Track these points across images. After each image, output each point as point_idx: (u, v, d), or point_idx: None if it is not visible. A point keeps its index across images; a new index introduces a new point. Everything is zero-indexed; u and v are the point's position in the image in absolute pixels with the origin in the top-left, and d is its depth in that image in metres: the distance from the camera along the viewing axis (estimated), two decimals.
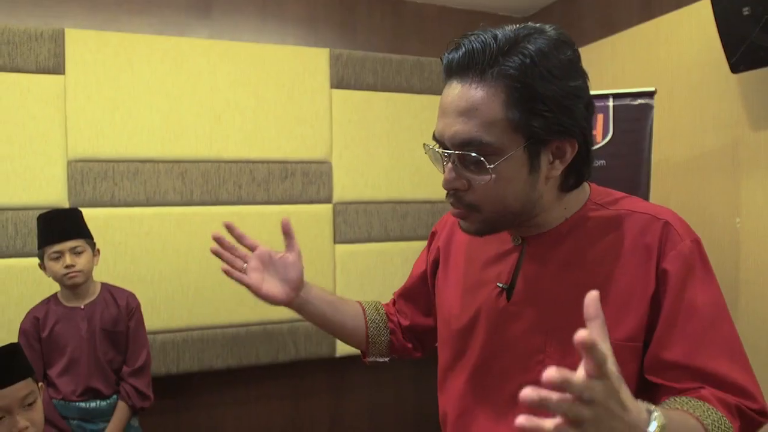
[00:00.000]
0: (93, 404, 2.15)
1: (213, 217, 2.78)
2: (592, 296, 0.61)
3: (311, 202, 2.98)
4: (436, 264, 1.18)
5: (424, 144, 0.95)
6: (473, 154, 0.84)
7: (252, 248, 1.11)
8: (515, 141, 0.84)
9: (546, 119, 0.83)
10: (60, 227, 2.12)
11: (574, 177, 0.92)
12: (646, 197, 2.37)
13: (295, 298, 1.12)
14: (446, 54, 0.88)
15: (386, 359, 1.25)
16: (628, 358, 0.89)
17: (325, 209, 3.01)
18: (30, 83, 2.54)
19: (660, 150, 2.58)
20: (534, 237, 0.97)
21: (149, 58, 2.70)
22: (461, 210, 0.91)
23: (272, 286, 1.10)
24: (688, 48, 2.53)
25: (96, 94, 2.62)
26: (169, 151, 2.74)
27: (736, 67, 2.13)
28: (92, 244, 2.20)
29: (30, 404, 1.51)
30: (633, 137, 2.40)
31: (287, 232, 1.11)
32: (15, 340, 1.94)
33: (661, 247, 0.89)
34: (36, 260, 2.20)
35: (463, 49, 0.85)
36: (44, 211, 2.22)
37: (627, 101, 2.42)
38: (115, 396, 2.20)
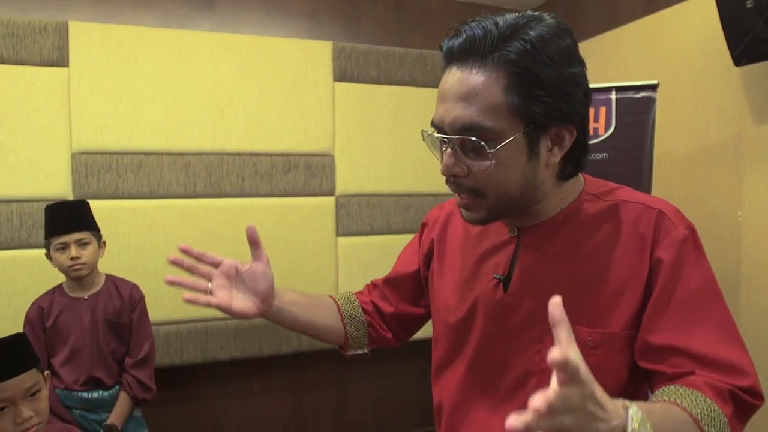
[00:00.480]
0: (95, 394, 2.18)
1: (216, 210, 2.79)
2: (555, 301, 0.62)
3: (314, 194, 2.99)
4: (429, 256, 1.17)
5: (422, 130, 0.93)
6: (473, 139, 0.84)
7: (216, 264, 1.04)
8: (515, 126, 0.84)
9: (546, 105, 0.83)
10: (66, 219, 2.14)
11: (572, 165, 0.92)
12: (648, 190, 2.37)
13: (269, 308, 1.06)
14: (446, 40, 0.88)
15: (366, 351, 1.23)
16: (624, 346, 0.90)
17: (328, 202, 3.02)
18: (34, 76, 2.55)
19: (662, 143, 2.58)
20: (530, 228, 0.97)
21: (153, 50, 2.71)
22: (466, 199, 0.91)
23: (242, 301, 1.02)
24: (692, 41, 2.52)
25: (100, 86, 2.63)
26: (172, 144, 2.75)
27: (739, 60, 2.12)
28: (98, 237, 2.22)
29: (34, 394, 1.51)
30: (636, 130, 2.39)
31: (254, 240, 1.02)
32: (20, 330, 1.95)
33: (655, 236, 0.89)
34: (41, 251, 2.22)
35: (464, 35, 0.85)
36: (49, 203, 2.23)
37: (630, 94, 2.41)
38: (117, 386, 2.22)
